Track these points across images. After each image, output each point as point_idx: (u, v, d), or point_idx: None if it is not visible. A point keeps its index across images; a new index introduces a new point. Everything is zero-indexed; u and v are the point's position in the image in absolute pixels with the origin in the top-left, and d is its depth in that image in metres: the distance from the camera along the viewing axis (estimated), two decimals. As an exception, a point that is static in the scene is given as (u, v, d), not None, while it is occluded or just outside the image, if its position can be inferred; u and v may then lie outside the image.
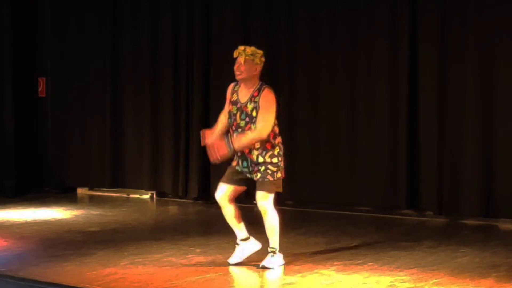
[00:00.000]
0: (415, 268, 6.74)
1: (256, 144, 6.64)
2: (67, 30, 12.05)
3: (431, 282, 6.28)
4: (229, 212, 6.90)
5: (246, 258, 6.91)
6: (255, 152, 6.67)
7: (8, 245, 7.85)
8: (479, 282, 6.26)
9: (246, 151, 6.69)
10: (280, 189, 6.81)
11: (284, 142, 10.29)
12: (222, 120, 6.92)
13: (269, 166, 6.66)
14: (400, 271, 6.65)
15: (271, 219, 6.74)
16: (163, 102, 11.22)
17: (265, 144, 6.66)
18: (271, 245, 6.80)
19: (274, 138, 6.72)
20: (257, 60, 6.76)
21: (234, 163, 6.86)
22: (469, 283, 6.23)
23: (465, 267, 6.81)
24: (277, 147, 6.73)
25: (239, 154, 6.74)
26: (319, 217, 9.76)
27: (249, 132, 6.65)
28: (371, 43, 9.78)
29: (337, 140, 10.01)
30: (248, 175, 6.77)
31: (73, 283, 6.19)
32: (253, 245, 6.97)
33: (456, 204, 9.29)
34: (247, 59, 6.72)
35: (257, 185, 6.72)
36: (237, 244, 6.97)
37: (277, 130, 6.74)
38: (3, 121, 11.90)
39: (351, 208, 9.99)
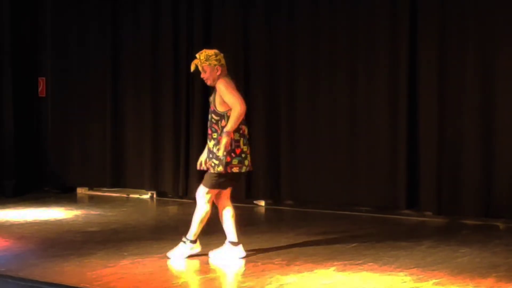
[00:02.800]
0: (415, 268, 6.74)
1: (213, 134, 6.90)
2: (67, 30, 12.04)
3: (431, 282, 6.28)
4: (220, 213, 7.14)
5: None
6: (212, 142, 6.94)
7: (8, 245, 7.86)
8: (479, 282, 6.27)
9: (208, 141, 6.97)
10: (217, 188, 6.99)
11: (283, 142, 10.41)
12: None
13: (214, 160, 6.89)
14: (400, 271, 6.66)
15: (198, 212, 7.01)
16: (163, 102, 11.22)
17: (218, 137, 6.87)
18: (187, 234, 7.06)
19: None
20: (213, 62, 6.92)
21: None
22: (469, 283, 6.24)
23: (465, 267, 6.81)
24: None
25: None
26: (319, 217, 9.76)
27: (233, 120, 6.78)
28: (371, 43, 9.76)
29: (337, 140, 10.00)
30: (203, 167, 7.04)
31: (73, 283, 6.19)
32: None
33: (456, 204, 9.29)
34: (204, 66, 6.94)
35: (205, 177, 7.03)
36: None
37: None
38: (3, 121, 11.89)
39: (351, 208, 9.98)
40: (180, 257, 7.04)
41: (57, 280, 6.30)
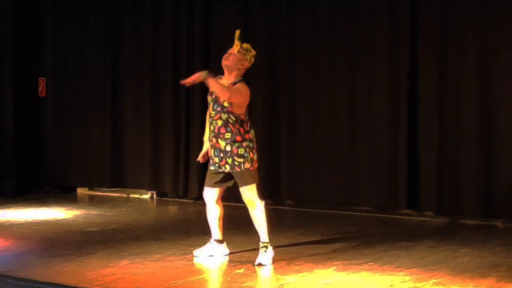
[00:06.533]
0: (415, 268, 6.75)
1: (226, 134, 6.81)
2: (67, 30, 12.04)
3: (431, 282, 6.28)
4: (214, 212, 7.10)
5: (209, 257, 7.11)
6: (223, 142, 6.83)
7: (8, 245, 7.85)
8: (479, 282, 6.27)
9: (214, 140, 6.86)
10: (256, 181, 6.94)
11: (284, 142, 10.43)
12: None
13: (235, 158, 6.82)
14: (400, 271, 6.66)
15: (258, 212, 6.91)
16: (163, 101, 11.22)
17: (235, 136, 6.82)
18: (262, 239, 6.91)
19: (245, 133, 6.86)
20: (247, 56, 6.91)
21: (211, 166, 7.03)
22: (469, 283, 6.24)
23: (465, 267, 6.82)
24: (246, 141, 6.85)
25: (211, 143, 6.91)
26: (319, 217, 9.76)
27: (226, 87, 6.73)
28: (371, 43, 9.77)
29: (337, 140, 10.01)
30: (219, 169, 6.90)
31: (73, 283, 6.19)
32: (224, 249, 7.20)
33: (456, 204, 9.29)
34: (240, 51, 6.89)
35: (236, 179, 6.90)
36: (210, 242, 7.19)
37: (248, 126, 6.89)
38: (3, 121, 11.89)
39: (351, 208, 9.99)
40: (269, 260, 6.90)
41: (57, 280, 6.30)
